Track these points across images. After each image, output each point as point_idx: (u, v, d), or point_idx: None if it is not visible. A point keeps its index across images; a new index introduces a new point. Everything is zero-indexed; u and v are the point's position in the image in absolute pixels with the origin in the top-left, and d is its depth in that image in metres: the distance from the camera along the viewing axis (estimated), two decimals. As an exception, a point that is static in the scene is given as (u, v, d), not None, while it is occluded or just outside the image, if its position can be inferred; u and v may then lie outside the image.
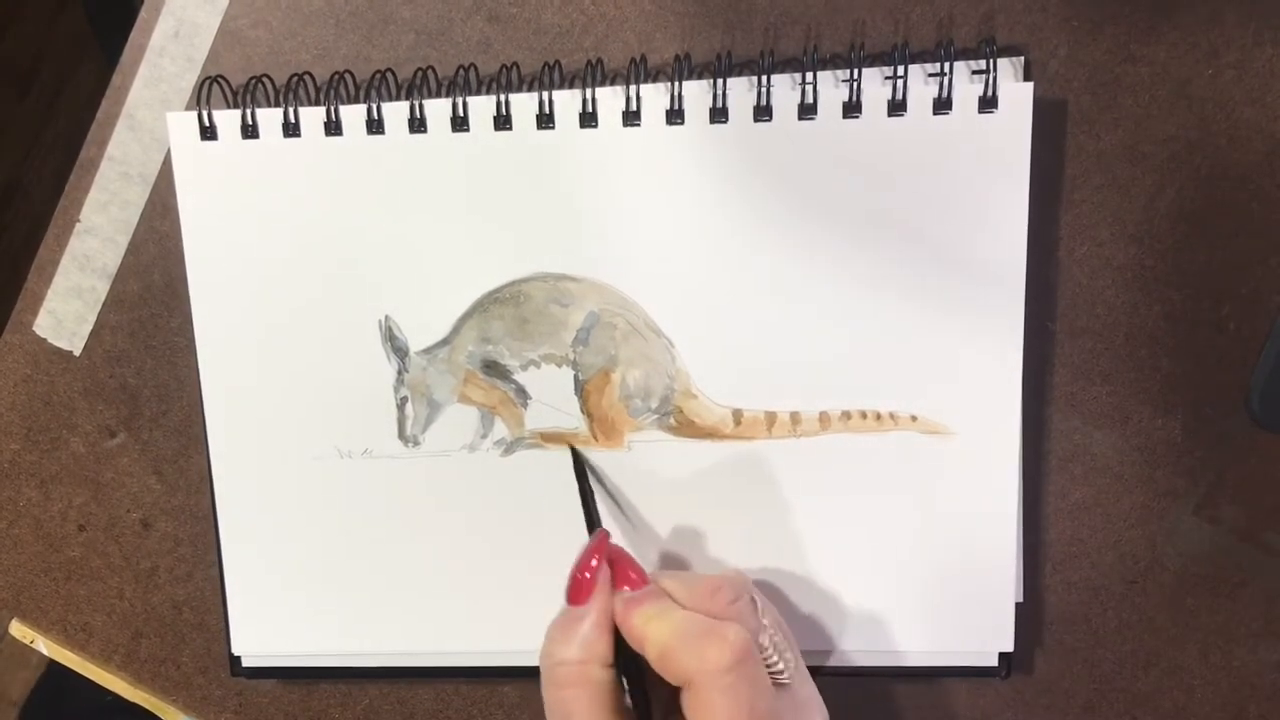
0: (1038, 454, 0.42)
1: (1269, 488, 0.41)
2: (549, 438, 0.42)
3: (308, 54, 0.43)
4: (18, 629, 0.48)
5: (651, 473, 0.41)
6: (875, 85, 0.39)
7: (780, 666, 0.34)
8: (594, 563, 0.35)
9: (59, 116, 1.08)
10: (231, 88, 0.43)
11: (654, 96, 0.39)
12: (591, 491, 0.40)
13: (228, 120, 0.41)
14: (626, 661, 0.34)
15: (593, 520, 0.39)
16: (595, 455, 0.42)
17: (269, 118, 0.41)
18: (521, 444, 0.42)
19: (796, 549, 0.41)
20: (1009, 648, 0.41)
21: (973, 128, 0.38)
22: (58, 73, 1.07)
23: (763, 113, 0.39)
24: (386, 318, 0.42)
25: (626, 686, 0.34)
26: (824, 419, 0.40)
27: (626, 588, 0.34)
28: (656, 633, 0.33)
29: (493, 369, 0.42)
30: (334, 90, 0.41)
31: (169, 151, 0.43)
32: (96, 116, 0.45)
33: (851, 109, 0.39)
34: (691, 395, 0.41)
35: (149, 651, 0.47)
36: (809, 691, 0.35)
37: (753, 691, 0.31)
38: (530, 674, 0.44)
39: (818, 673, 0.37)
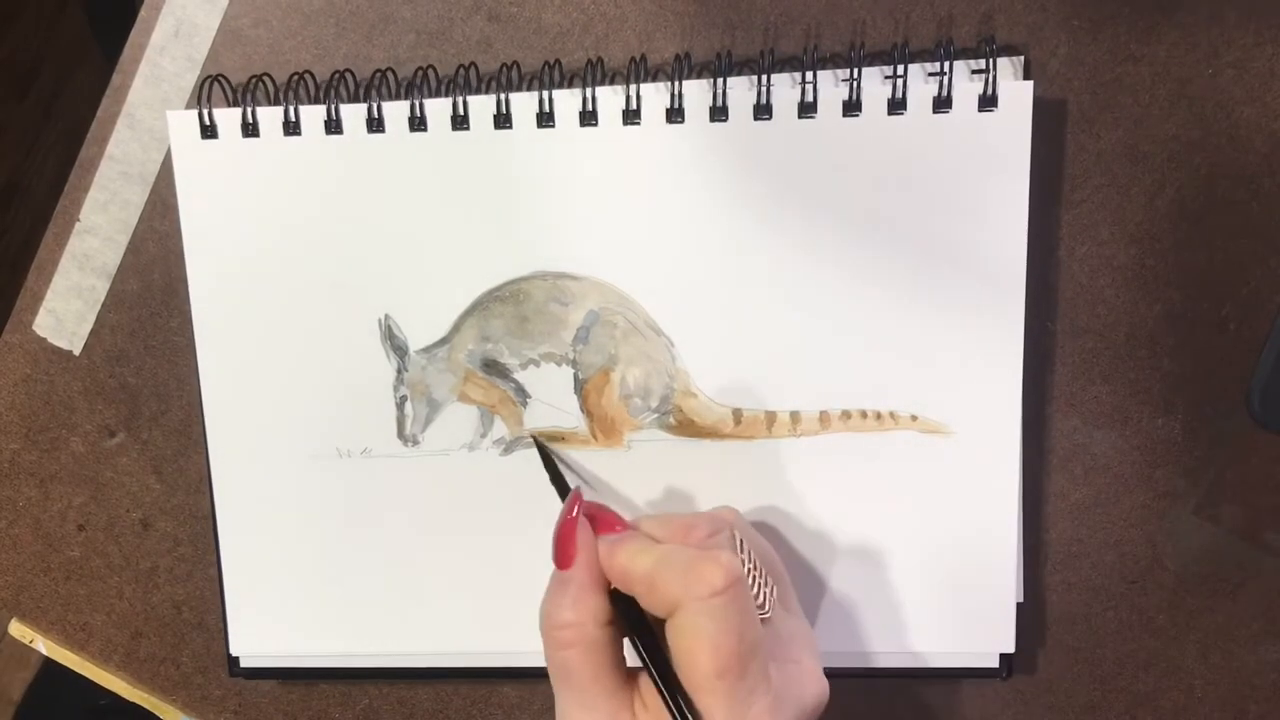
0: (1038, 454, 0.42)
1: (1269, 488, 0.41)
2: (548, 436, 0.42)
3: (308, 53, 0.43)
4: (17, 629, 0.48)
5: (651, 472, 0.41)
6: (875, 84, 0.39)
7: (760, 601, 0.34)
8: (572, 519, 0.35)
9: (59, 116, 1.08)
10: (232, 87, 0.43)
11: (654, 95, 0.39)
12: (553, 460, 0.40)
13: (228, 119, 0.41)
14: (625, 613, 0.34)
15: (562, 486, 0.39)
16: (595, 455, 0.42)
17: (269, 116, 0.41)
18: (521, 443, 0.42)
19: (796, 549, 0.41)
20: (1010, 649, 0.41)
21: (973, 127, 0.38)
22: (58, 73, 1.07)
23: (763, 111, 0.39)
24: (386, 316, 0.42)
25: (633, 641, 0.34)
26: (824, 418, 0.40)
27: (608, 534, 0.35)
28: (641, 564, 0.33)
29: (492, 368, 0.42)
30: (334, 89, 0.41)
31: (169, 151, 0.43)
32: (96, 116, 0.45)
33: (851, 108, 0.39)
34: (691, 394, 0.41)
35: (148, 651, 0.47)
36: (794, 625, 0.35)
37: (741, 619, 0.31)
38: (530, 674, 0.44)
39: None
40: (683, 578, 0.31)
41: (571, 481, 0.41)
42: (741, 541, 0.35)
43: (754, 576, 0.34)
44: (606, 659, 0.33)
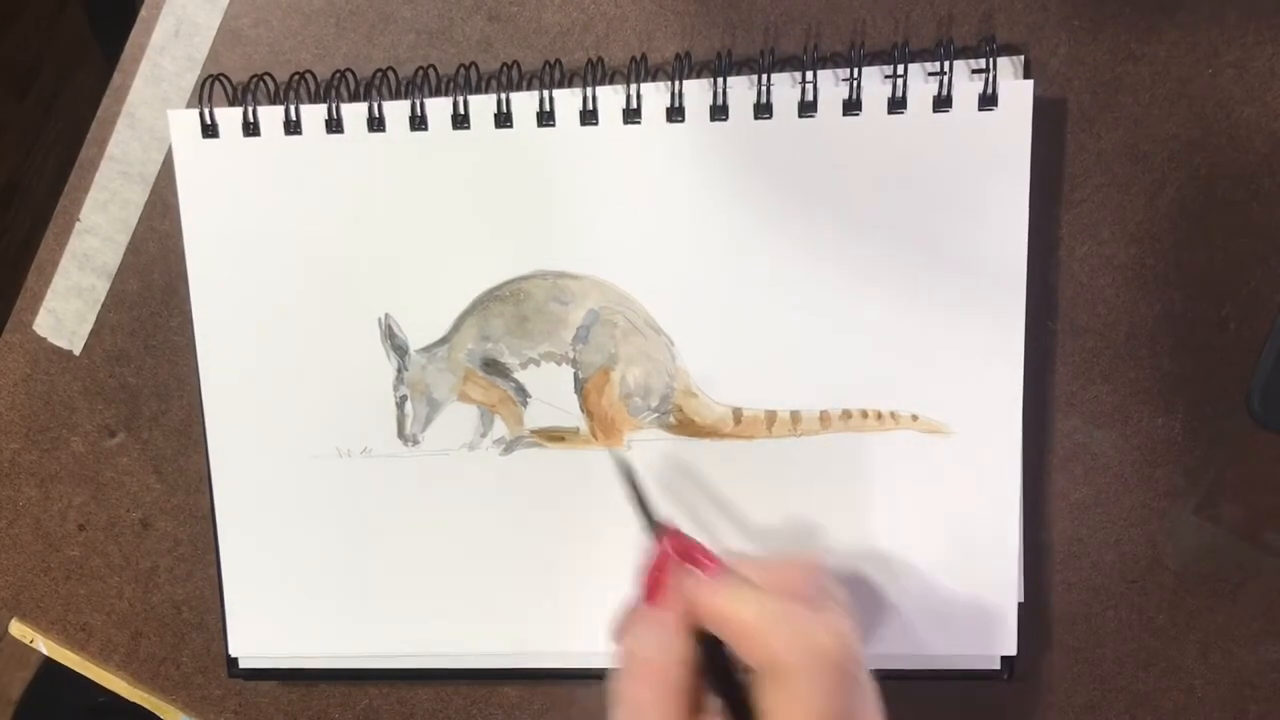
0: (1038, 453, 0.42)
1: (1269, 488, 0.41)
2: (548, 436, 0.42)
3: (308, 53, 0.43)
4: (17, 628, 0.48)
5: (651, 471, 0.41)
6: (875, 83, 0.39)
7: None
8: (671, 562, 0.33)
9: (59, 116, 1.08)
10: (232, 86, 0.43)
11: (654, 95, 0.39)
12: (640, 489, 0.37)
13: (229, 118, 0.41)
14: (712, 659, 0.32)
15: (653, 519, 0.36)
16: (595, 454, 0.42)
17: (270, 115, 0.41)
18: (521, 443, 0.42)
19: (796, 549, 0.41)
20: (1012, 651, 0.41)
21: (973, 126, 0.38)
22: (58, 73, 1.07)
23: (763, 111, 0.39)
24: (386, 316, 0.42)
25: (718, 690, 0.32)
26: (824, 418, 0.40)
27: (699, 571, 0.33)
28: (746, 614, 0.31)
29: (492, 367, 0.42)
30: (335, 88, 0.41)
31: (169, 150, 0.43)
32: (97, 115, 0.45)
33: (852, 107, 0.39)
34: (691, 394, 0.41)
35: (148, 651, 0.47)
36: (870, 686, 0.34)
37: (850, 696, 0.29)
38: (530, 675, 0.44)
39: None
40: (793, 639, 0.30)
41: (658, 510, 0.38)
42: (836, 597, 0.33)
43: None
44: (678, 701, 0.32)
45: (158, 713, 0.48)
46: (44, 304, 0.46)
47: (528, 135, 0.40)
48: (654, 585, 0.33)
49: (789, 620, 0.30)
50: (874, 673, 0.42)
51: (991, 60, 0.38)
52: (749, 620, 0.31)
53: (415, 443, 0.42)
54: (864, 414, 0.40)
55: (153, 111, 0.44)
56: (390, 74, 0.42)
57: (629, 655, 0.32)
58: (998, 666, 0.42)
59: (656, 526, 0.35)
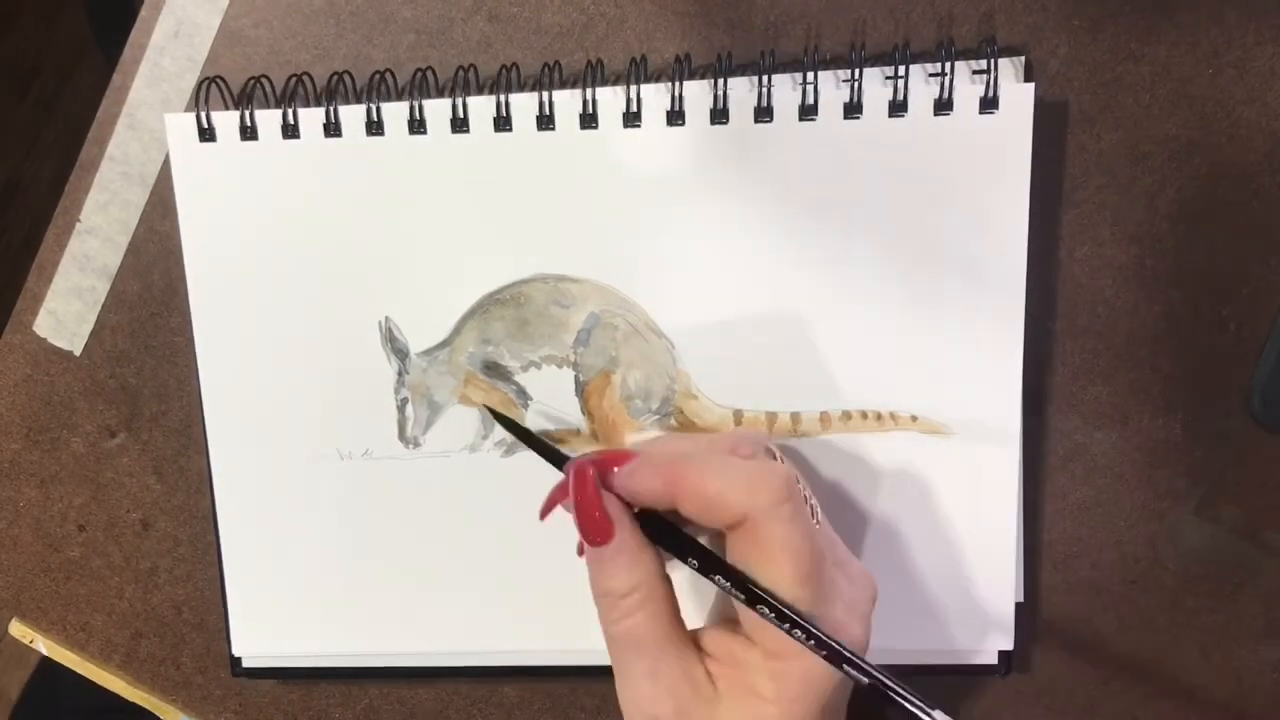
0: (1038, 454, 0.42)
1: (1269, 488, 0.41)
2: (550, 439, 0.42)
3: (308, 54, 0.43)
4: (17, 629, 0.48)
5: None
6: (876, 86, 0.39)
7: (811, 509, 0.34)
8: (594, 489, 0.33)
9: (59, 116, 1.08)
10: (230, 88, 0.43)
11: (654, 97, 0.39)
12: (528, 433, 0.38)
13: (226, 122, 0.41)
14: (677, 545, 0.33)
15: (556, 456, 0.36)
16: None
17: (268, 119, 0.41)
18: (522, 445, 0.42)
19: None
20: (1009, 646, 0.41)
21: (974, 128, 0.38)
22: (58, 73, 1.07)
23: (763, 113, 0.39)
24: (387, 319, 0.42)
25: (706, 564, 0.33)
26: (824, 419, 0.40)
27: (627, 465, 0.33)
28: (696, 482, 0.32)
29: (493, 370, 0.42)
30: (334, 91, 0.41)
31: (169, 151, 0.43)
32: (96, 116, 0.44)
33: (852, 109, 0.39)
34: (692, 396, 0.41)
35: (149, 651, 0.47)
36: (829, 530, 0.35)
37: (807, 523, 0.32)
38: (531, 674, 0.44)
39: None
40: (747, 490, 0.31)
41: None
42: (778, 453, 0.35)
43: (802, 485, 0.34)
44: (670, 616, 0.33)
45: (158, 713, 0.48)
46: (44, 304, 0.46)
47: (527, 138, 0.40)
48: (599, 524, 0.33)
49: (739, 477, 0.32)
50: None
51: (992, 62, 0.38)
52: (707, 485, 0.32)
53: (416, 445, 0.42)
54: (864, 415, 0.40)
55: (153, 112, 0.44)
56: (389, 76, 0.42)
57: (609, 596, 0.33)
58: (995, 661, 0.42)
59: (561, 459, 0.35)
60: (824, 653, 0.31)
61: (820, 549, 0.32)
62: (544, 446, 0.37)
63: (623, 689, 0.33)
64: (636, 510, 0.34)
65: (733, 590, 0.32)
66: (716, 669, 0.33)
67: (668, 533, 0.34)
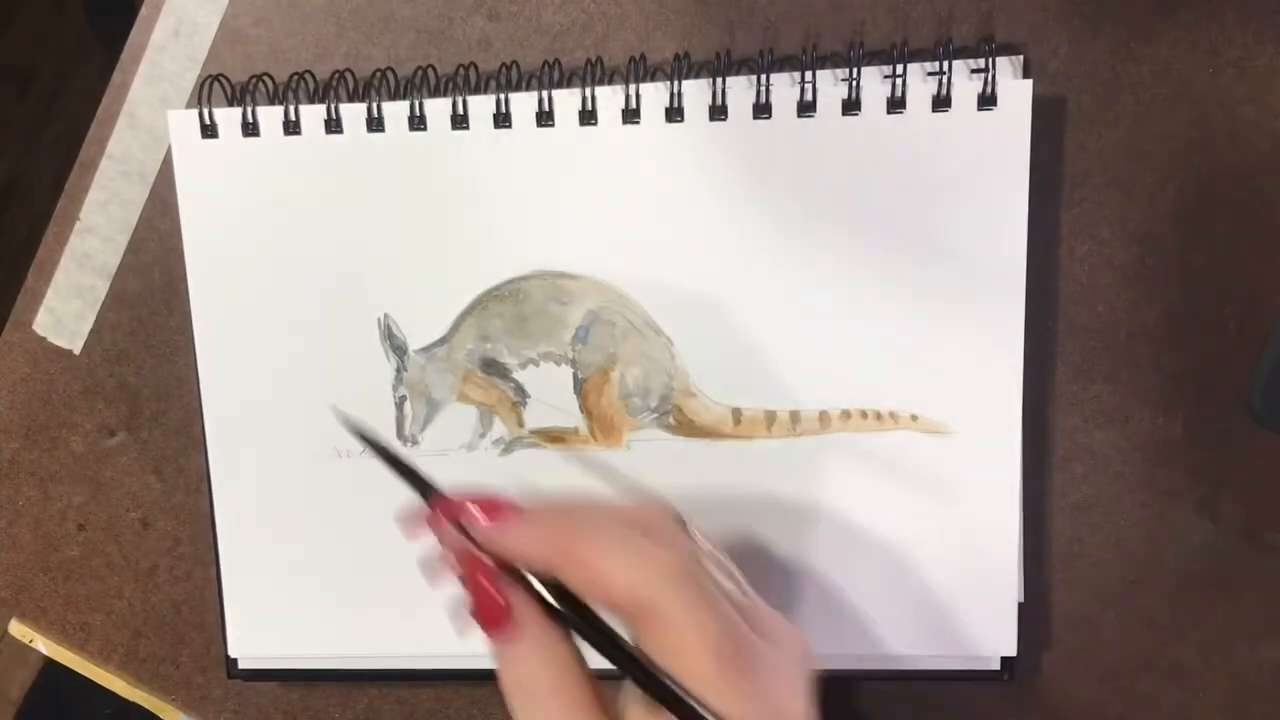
0: (1038, 453, 0.42)
1: (1269, 487, 0.41)
2: (548, 436, 0.42)
3: (308, 52, 0.43)
4: (17, 628, 0.48)
5: (650, 472, 0.41)
6: (875, 83, 0.39)
7: (737, 572, 0.31)
8: (476, 559, 0.29)
9: (59, 116, 1.09)
10: (232, 86, 0.43)
11: (654, 95, 0.39)
12: (392, 452, 0.32)
13: (228, 118, 0.41)
14: (582, 625, 0.29)
15: (422, 484, 0.31)
16: (594, 455, 0.42)
17: (269, 116, 0.41)
18: (520, 443, 0.42)
19: (796, 549, 0.41)
20: (1012, 652, 0.41)
21: (972, 126, 0.38)
22: (58, 73, 1.08)
23: (762, 111, 0.39)
24: (385, 316, 0.42)
25: (615, 656, 0.29)
26: (824, 418, 0.40)
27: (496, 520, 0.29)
28: (584, 553, 0.28)
29: (492, 367, 0.42)
30: (334, 88, 0.41)
31: (169, 150, 0.43)
32: (96, 115, 0.45)
33: (851, 107, 0.39)
34: (691, 394, 0.41)
35: (148, 651, 0.47)
36: (752, 594, 0.31)
37: (713, 599, 0.28)
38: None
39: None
40: (640, 568, 0.28)
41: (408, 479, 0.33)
42: (690, 526, 0.31)
43: (717, 560, 0.31)
44: (590, 705, 0.29)
45: (158, 713, 0.48)
46: (44, 303, 0.46)
47: (527, 135, 0.40)
48: (496, 609, 0.29)
49: (629, 551, 0.28)
50: (873, 673, 0.42)
51: (991, 60, 0.38)
52: (598, 563, 0.28)
53: (414, 443, 0.42)
54: (863, 414, 0.40)
55: (153, 111, 0.44)
56: (389, 74, 0.42)
57: (516, 687, 0.29)
58: (998, 667, 0.42)
59: (427, 490, 0.31)
60: None
61: (734, 623, 0.28)
62: (410, 472, 0.32)
63: None
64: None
65: (650, 679, 0.28)
66: None
67: (577, 610, 0.29)
